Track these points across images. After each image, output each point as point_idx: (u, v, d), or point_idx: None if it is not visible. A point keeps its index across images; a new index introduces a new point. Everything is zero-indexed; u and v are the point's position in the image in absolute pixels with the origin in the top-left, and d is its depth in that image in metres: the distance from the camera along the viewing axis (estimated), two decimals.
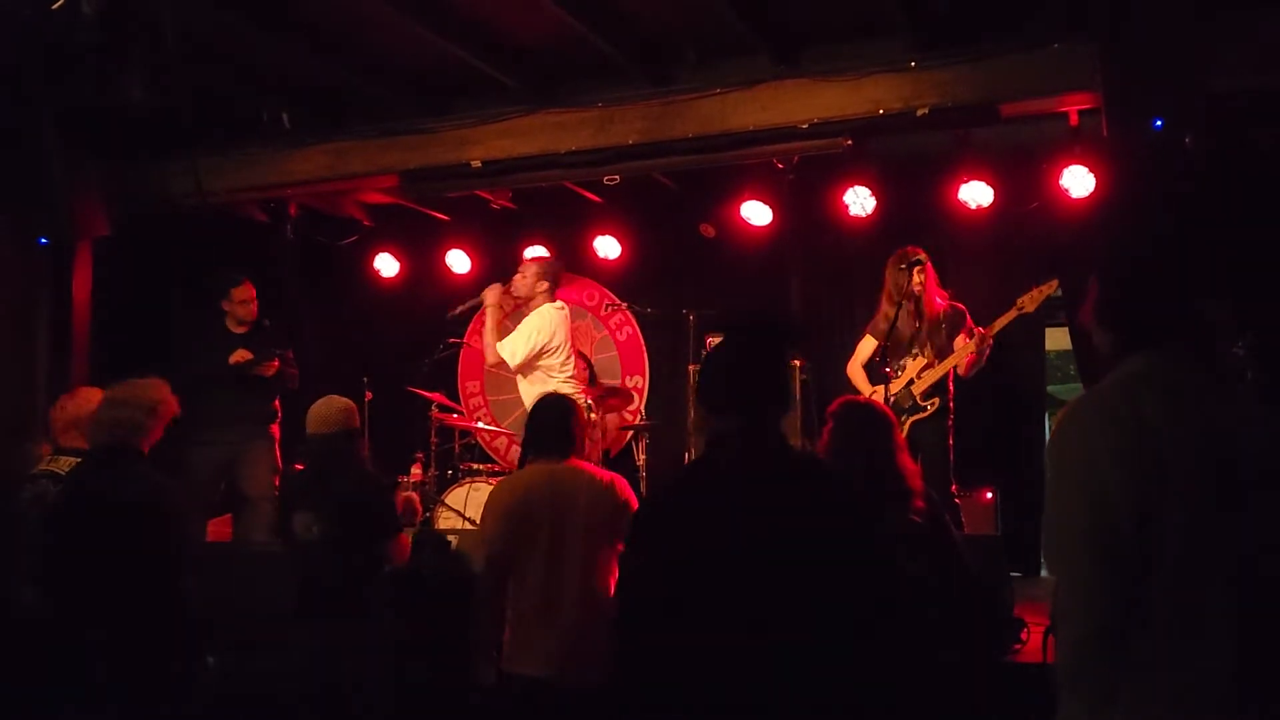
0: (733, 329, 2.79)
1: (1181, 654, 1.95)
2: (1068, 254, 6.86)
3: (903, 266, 6.12)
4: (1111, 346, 2.20)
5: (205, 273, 7.35)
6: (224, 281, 7.04)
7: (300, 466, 5.25)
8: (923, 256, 6.16)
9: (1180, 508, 1.96)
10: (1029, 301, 5.91)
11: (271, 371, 6.92)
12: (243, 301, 7.01)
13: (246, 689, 4.89)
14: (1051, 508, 2.11)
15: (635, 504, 4.06)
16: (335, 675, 4.47)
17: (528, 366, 6.85)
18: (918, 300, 6.11)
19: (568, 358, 6.97)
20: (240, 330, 7.03)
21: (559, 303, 7.00)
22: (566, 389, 6.78)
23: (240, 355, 6.86)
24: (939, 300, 6.20)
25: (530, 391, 6.88)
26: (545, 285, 6.94)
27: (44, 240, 7.15)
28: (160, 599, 3.94)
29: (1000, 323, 5.98)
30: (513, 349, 6.83)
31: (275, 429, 7.12)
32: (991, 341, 5.95)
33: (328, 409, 4.91)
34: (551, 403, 4.30)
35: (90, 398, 4.86)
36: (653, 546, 2.58)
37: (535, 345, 6.75)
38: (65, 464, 4.65)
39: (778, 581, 2.33)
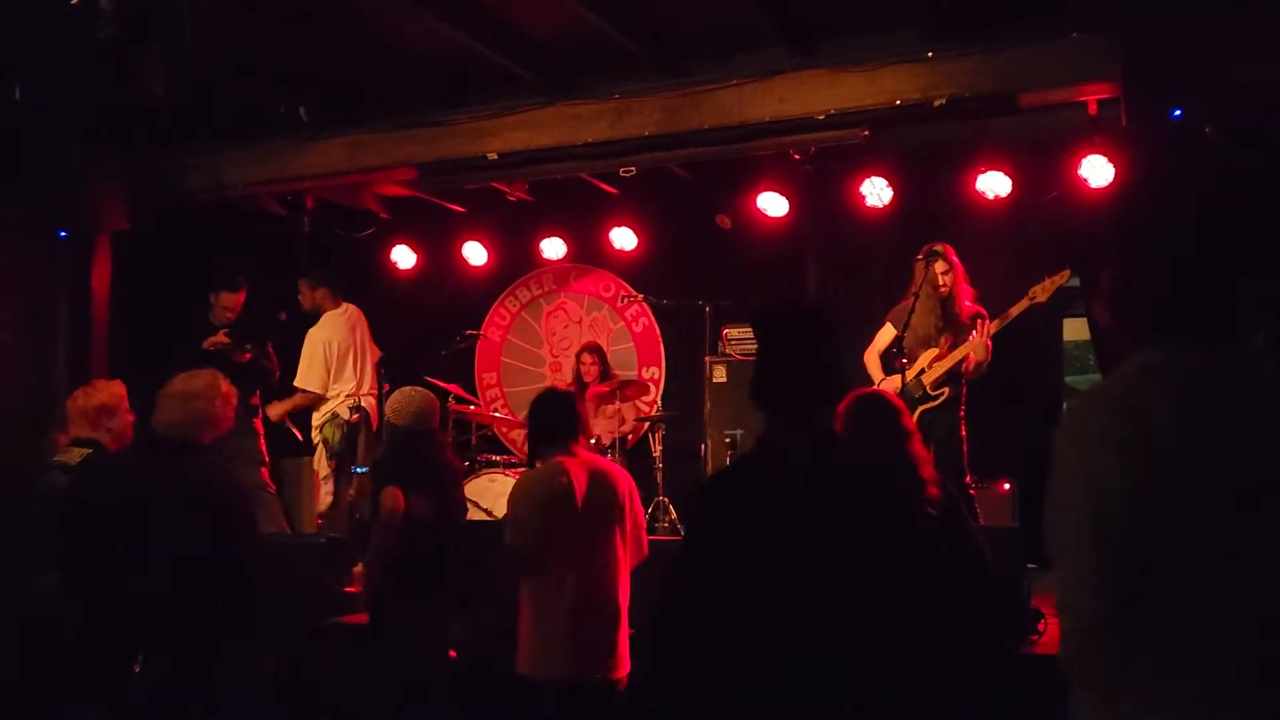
0: (767, 323, 2.75)
1: (1185, 648, 1.94)
2: (1086, 244, 6.84)
3: (920, 257, 6.13)
4: (1122, 338, 2.18)
5: (213, 265, 7.44)
6: (221, 279, 7.17)
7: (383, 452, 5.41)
8: (944, 249, 6.15)
9: (1183, 504, 1.95)
10: (1040, 292, 5.91)
11: (243, 359, 6.96)
12: (225, 306, 7.15)
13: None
14: (1053, 501, 2.10)
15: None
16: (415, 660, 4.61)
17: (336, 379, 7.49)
18: (944, 296, 6.13)
19: (353, 362, 7.59)
20: (224, 320, 7.18)
21: (342, 306, 7.72)
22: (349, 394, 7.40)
23: (217, 339, 6.94)
24: (966, 302, 6.22)
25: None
26: (323, 290, 7.71)
27: (64, 234, 7.21)
28: (220, 587, 3.97)
29: (1012, 312, 5.99)
30: (308, 378, 7.49)
31: (258, 423, 7.17)
32: (990, 344, 5.98)
33: (406, 403, 5.01)
34: (552, 395, 4.37)
35: (104, 389, 4.86)
36: (709, 539, 2.59)
37: (330, 358, 7.43)
38: (77, 455, 4.67)
39: (828, 575, 2.36)
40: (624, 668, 3.96)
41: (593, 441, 7.84)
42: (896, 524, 2.47)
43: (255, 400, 7.17)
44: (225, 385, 4.26)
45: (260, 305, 7.61)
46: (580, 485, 4.02)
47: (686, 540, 2.72)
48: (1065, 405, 2.27)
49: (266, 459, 7.25)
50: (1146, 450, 1.96)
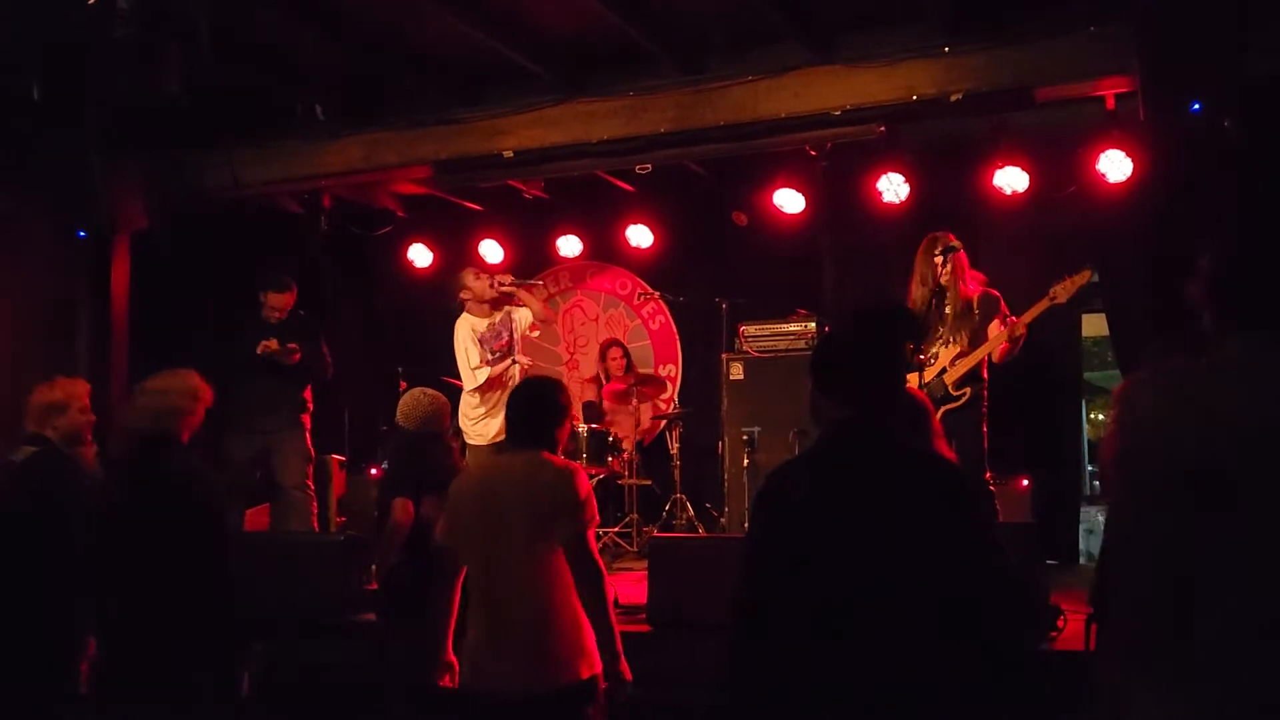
0: (851, 315, 2.77)
1: (1237, 646, 1.92)
2: (1104, 239, 6.80)
3: (938, 253, 6.02)
4: (1212, 328, 2.14)
5: (258, 262, 7.43)
6: (267, 280, 7.12)
7: (390, 456, 5.40)
8: (956, 244, 6.07)
9: (1246, 497, 1.93)
10: (1061, 292, 5.80)
11: (294, 360, 6.97)
12: (274, 307, 7.08)
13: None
14: (1119, 493, 2.08)
15: (587, 500, 3.64)
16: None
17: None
18: (947, 288, 6.03)
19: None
20: (273, 319, 7.10)
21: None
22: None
23: (269, 344, 6.93)
24: (972, 286, 6.12)
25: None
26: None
27: (83, 234, 7.24)
28: (199, 586, 3.98)
29: (1032, 313, 5.86)
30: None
31: (307, 418, 7.18)
32: (1025, 331, 5.86)
33: (415, 407, 4.99)
34: (524, 386, 3.97)
35: (60, 388, 4.63)
36: (760, 538, 2.60)
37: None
38: (24, 453, 4.51)
39: (875, 571, 2.35)
40: (570, 677, 3.55)
41: (611, 439, 7.86)
42: (966, 508, 2.47)
43: (307, 395, 7.19)
44: (201, 385, 4.24)
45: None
46: (485, 484, 3.74)
47: (751, 534, 2.69)
48: (1123, 391, 2.25)
49: (313, 455, 7.26)
50: (1211, 445, 1.94)
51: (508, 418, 3.86)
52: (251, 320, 7.09)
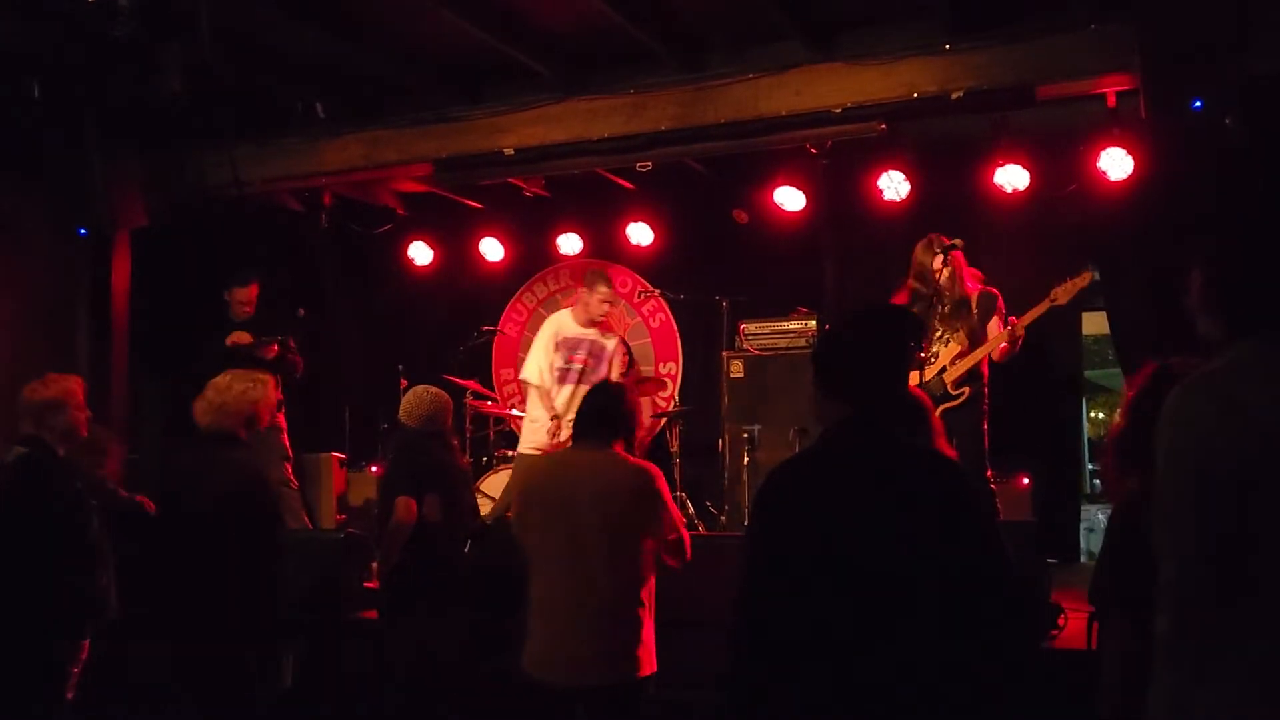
0: (853, 314, 2.81)
1: (1260, 643, 1.93)
2: (1105, 237, 6.80)
3: (936, 251, 6.01)
4: (1219, 332, 2.15)
5: (226, 264, 7.47)
6: (233, 277, 7.18)
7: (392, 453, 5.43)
8: (955, 242, 6.06)
9: (1266, 497, 1.93)
10: (1062, 294, 5.79)
11: (270, 354, 6.97)
12: (240, 301, 7.16)
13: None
14: (1160, 492, 2.08)
15: (666, 496, 3.82)
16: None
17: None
18: (945, 287, 6.02)
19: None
20: (241, 315, 7.16)
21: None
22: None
23: (239, 337, 6.94)
24: (970, 284, 6.11)
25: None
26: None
27: (84, 232, 7.25)
28: (235, 584, 4.01)
29: (1032, 314, 5.84)
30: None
31: (281, 418, 7.18)
32: (1023, 333, 5.85)
33: (417, 405, 5.01)
34: (599, 388, 4.18)
35: (53, 385, 4.52)
36: (760, 536, 2.62)
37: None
38: (14, 454, 4.44)
39: (877, 570, 2.36)
40: (633, 672, 3.68)
41: None
42: (967, 507, 2.46)
43: (279, 394, 7.18)
44: (268, 385, 4.33)
45: (279, 301, 7.63)
46: (559, 477, 3.86)
47: (751, 532, 2.71)
48: (1168, 396, 2.28)
49: (290, 454, 7.26)
50: (1246, 443, 1.94)
51: (580, 416, 3.98)
52: (219, 319, 7.14)
